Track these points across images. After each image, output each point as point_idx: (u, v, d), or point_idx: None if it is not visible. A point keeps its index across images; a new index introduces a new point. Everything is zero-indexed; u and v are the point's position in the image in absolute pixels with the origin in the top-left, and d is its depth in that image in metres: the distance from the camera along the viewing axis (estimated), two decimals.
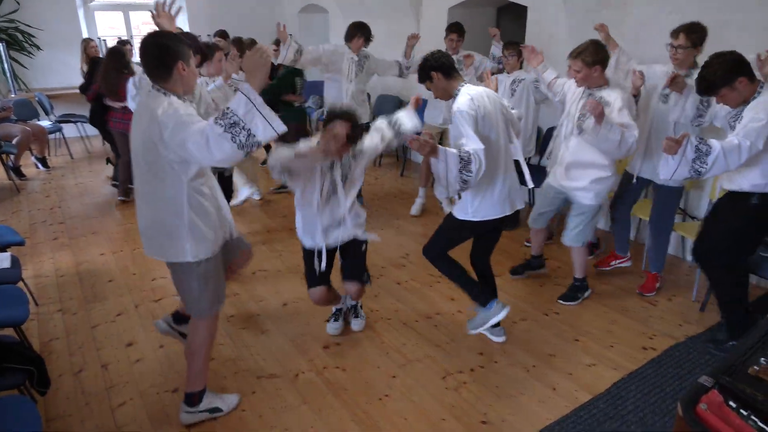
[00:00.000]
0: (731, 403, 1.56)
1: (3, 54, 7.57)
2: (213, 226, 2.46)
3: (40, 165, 7.02)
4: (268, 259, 4.45)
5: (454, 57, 4.70)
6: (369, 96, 5.12)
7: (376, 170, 6.90)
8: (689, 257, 4.20)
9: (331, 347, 3.28)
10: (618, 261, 4.05)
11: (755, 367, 1.69)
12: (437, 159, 2.65)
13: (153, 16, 2.70)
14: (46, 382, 2.53)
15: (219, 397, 2.76)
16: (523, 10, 5.42)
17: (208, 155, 2.14)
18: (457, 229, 3.04)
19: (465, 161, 2.64)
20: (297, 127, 5.46)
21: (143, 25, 9.23)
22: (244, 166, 5.48)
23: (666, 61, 3.49)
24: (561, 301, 3.73)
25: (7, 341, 2.56)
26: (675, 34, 3.35)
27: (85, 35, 8.48)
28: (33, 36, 7.93)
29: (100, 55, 6.53)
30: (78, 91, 6.61)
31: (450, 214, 3.07)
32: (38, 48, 7.99)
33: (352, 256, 3.14)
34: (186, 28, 8.93)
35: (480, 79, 5.02)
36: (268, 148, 7.08)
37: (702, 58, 2.96)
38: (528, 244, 4.65)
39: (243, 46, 5.27)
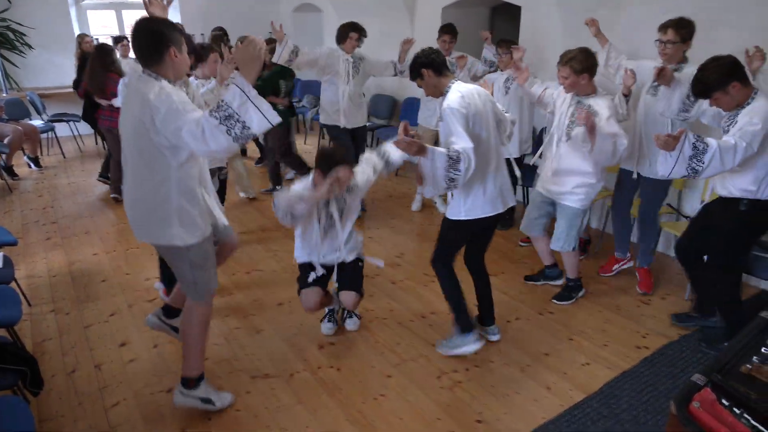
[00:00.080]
0: (724, 401, 1.57)
1: None
2: (202, 212, 2.48)
3: (32, 164, 6.98)
4: (263, 259, 4.44)
5: (447, 59, 4.71)
6: (363, 95, 5.09)
7: None
8: None
9: (326, 347, 3.28)
10: (620, 264, 4.07)
11: (748, 365, 1.70)
12: (425, 158, 2.66)
13: (145, 5, 2.69)
14: (39, 382, 2.52)
15: (215, 392, 2.78)
16: (517, 10, 5.43)
17: (204, 146, 2.15)
18: (453, 231, 3.04)
19: (453, 160, 2.63)
20: (280, 134, 5.44)
21: None
22: (233, 165, 5.49)
23: (657, 58, 3.51)
24: (555, 301, 3.74)
25: (0, 342, 2.55)
26: (663, 29, 3.36)
27: (77, 34, 8.44)
28: (24, 35, 7.88)
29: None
30: (70, 90, 6.60)
31: (444, 218, 3.06)
32: (30, 47, 7.94)
33: (350, 271, 3.19)
34: None
35: (474, 79, 5.03)
36: (261, 149, 7.10)
37: (691, 53, 2.98)
38: (523, 244, 4.66)
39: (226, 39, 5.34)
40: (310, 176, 2.98)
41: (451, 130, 2.71)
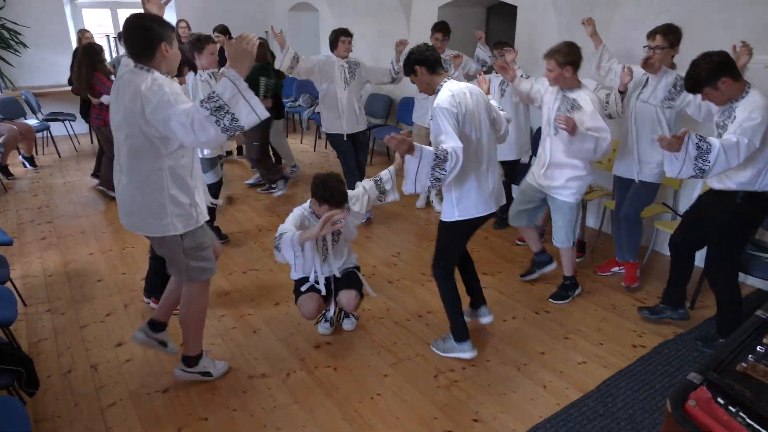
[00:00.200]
0: (720, 399, 1.58)
1: None
2: (194, 201, 2.52)
3: (27, 164, 6.95)
4: (260, 258, 4.43)
5: (441, 56, 4.71)
6: (360, 98, 5.08)
7: (367, 170, 6.87)
8: None
9: (323, 347, 3.28)
10: (619, 267, 4.08)
11: (743, 364, 1.71)
12: (412, 156, 2.66)
13: (143, 2, 2.69)
14: (34, 382, 2.51)
15: (212, 363, 2.96)
16: (513, 10, 5.43)
17: (193, 137, 2.19)
18: (449, 233, 3.02)
19: (440, 159, 2.63)
20: (257, 136, 5.38)
21: None
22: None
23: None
24: (552, 301, 3.75)
25: None
26: (652, 35, 3.41)
27: (72, 33, 8.41)
28: (19, 34, 7.84)
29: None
30: (65, 89, 6.63)
31: (440, 223, 3.04)
32: (25, 46, 7.89)
33: (347, 276, 3.28)
34: (174, 25, 8.89)
35: (468, 78, 5.02)
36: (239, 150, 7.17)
37: (686, 54, 2.99)
38: (520, 243, 4.67)
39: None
40: (307, 203, 3.12)
41: (440, 128, 2.70)
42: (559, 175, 3.50)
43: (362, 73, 4.87)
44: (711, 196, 3.11)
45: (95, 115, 5.63)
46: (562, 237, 3.62)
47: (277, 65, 4.59)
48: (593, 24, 3.88)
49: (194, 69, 4.04)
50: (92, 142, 8.09)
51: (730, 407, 1.55)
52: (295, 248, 2.83)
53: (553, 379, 2.98)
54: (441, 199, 4.81)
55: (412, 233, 4.94)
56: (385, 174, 3.28)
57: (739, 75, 2.83)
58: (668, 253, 3.44)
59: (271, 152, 6.02)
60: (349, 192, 3.16)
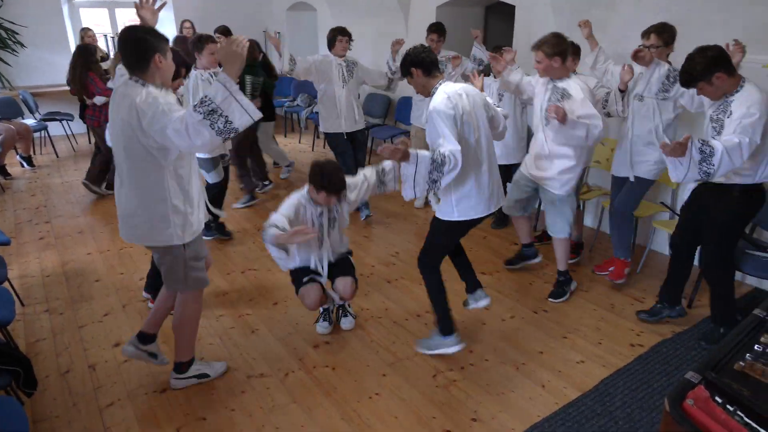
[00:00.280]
0: (717, 398, 1.58)
1: None
2: (194, 210, 2.57)
3: (25, 164, 6.94)
4: (258, 258, 4.43)
5: (438, 57, 4.71)
6: (359, 95, 5.08)
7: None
8: None
9: (321, 346, 3.28)
10: (629, 268, 4.07)
11: (741, 363, 1.71)
12: (407, 162, 2.66)
13: (136, 8, 2.72)
14: (32, 383, 2.51)
15: (207, 364, 2.97)
16: (511, 9, 5.44)
17: (189, 141, 2.22)
18: (446, 233, 3.01)
19: (438, 163, 2.63)
20: (239, 139, 5.23)
21: (129, 22, 9.14)
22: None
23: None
24: (552, 300, 3.76)
25: None
26: (646, 34, 3.43)
27: (70, 33, 8.40)
28: (17, 33, 7.81)
29: (97, 45, 6.60)
30: (63, 88, 6.66)
31: (436, 219, 3.03)
32: (22, 45, 7.87)
33: (341, 263, 3.29)
34: (173, 25, 8.87)
35: (465, 78, 5.02)
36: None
37: (683, 54, 2.99)
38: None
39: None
40: (305, 188, 3.10)
41: (438, 132, 2.69)
42: (551, 166, 3.55)
43: (360, 72, 4.87)
44: (705, 190, 3.11)
45: (90, 115, 5.69)
46: (557, 227, 3.66)
47: (278, 69, 4.62)
48: (590, 26, 3.90)
49: (189, 70, 4.05)
50: (90, 142, 8.07)
51: (728, 406, 1.55)
52: (274, 246, 2.84)
53: (552, 379, 2.98)
54: (438, 200, 4.80)
55: (411, 233, 4.94)
56: (388, 164, 3.23)
57: (734, 70, 2.83)
58: (666, 252, 3.45)
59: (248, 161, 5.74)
60: (351, 179, 3.15)
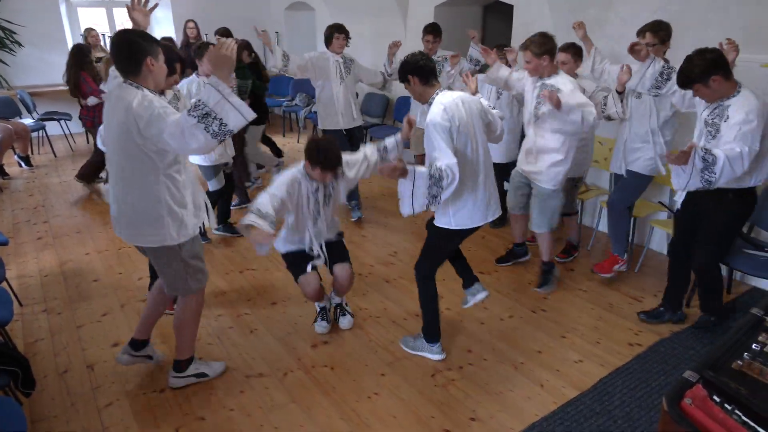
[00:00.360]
0: (715, 397, 1.58)
1: None
2: (190, 210, 2.58)
3: (23, 163, 6.93)
4: (256, 258, 4.43)
5: (435, 58, 4.73)
6: (357, 94, 5.08)
7: None
8: None
9: (320, 346, 3.28)
10: (619, 265, 4.08)
11: (739, 362, 1.72)
12: (405, 179, 2.66)
13: (128, 9, 2.74)
14: (31, 383, 2.50)
15: (206, 364, 2.98)
16: (509, 8, 5.44)
17: (184, 145, 2.26)
18: (443, 240, 3.00)
19: (435, 178, 2.63)
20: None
21: (127, 21, 9.11)
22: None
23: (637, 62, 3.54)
24: (538, 290, 3.85)
25: None
26: (641, 33, 3.45)
27: (67, 32, 8.38)
28: (14, 33, 7.80)
29: (101, 44, 6.63)
30: (60, 88, 6.70)
31: (434, 226, 3.00)
32: (20, 45, 7.85)
33: (337, 246, 3.31)
34: (171, 26, 8.87)
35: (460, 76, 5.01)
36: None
37: (681, 53, 3.00)
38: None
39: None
40: (301, 163, 3.06)
41: (434, 145, 2.68)
42: (539, 161, 3.65)
43: (356, 69, 4.88)
44: (700, 194, 3.12)
45: (83, 116, 5.77)
46: (538, 222, 3.77)
47: (269, 66, 4.61)
48: (584, 28, 3.92)
49: (183, 65, 4.02)
50: (88, 142, 8.07)
51: (726, 405, 1.55)
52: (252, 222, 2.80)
53: (550, 378, 2.98)
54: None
55: (410, 232, 4.94)
56: (390, 142, 3.21)
57: (731, 74, 2.85)
58: (663, 251, 3.46)
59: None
60: (351, 156, 3.14)
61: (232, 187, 4.64)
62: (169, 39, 6.98)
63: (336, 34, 4.68)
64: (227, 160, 4.41)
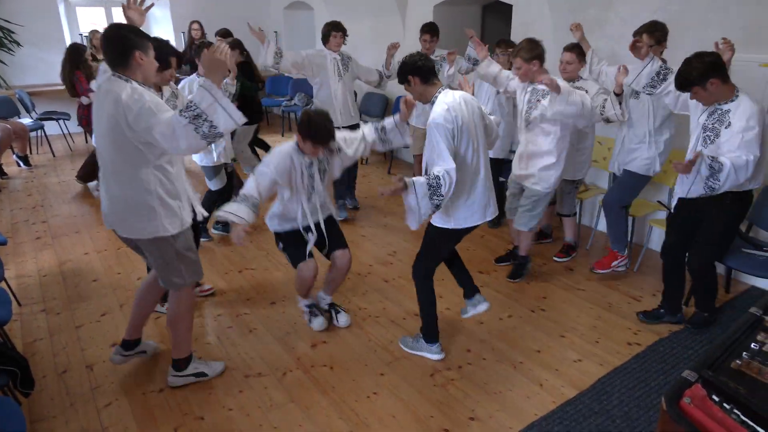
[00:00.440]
0: (714, 397, 1.58)
1: None
2: (181, 202, 2.60)
3: (21, 163, 6.92)
4: (255, 257, 4.43)
5: (433, 58, 4.72)
6: (356, 94, 5.08)
7: (363, 168, 6.89)
8: None
9: (319, 345, 3.28)
10: (618, 262, 4.08)
11: (738, 361, 1.72)
12: (408, 192, 2.66)
13: (123, 8, 2.75)
14: (30, 383, 2.50)
15: (205, 363, 2.98)
16: (508, 8, 5.44)
17: (174, 144, 2.28)
18: (441, 240, 2.99)
19: (434, 187, 2.62)
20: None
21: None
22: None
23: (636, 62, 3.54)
24: (510, 279, 3.98)
25: None
26: (638, 34, 3.44)
27: (66, 32, 8.37)
28: (13, 32, 7.79)
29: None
30: (59, 87, 6.73)
31: (431, 226, 2.99)
32: (18, 44, 7.85)
33: (331, 226, 3.31)
34: (170, 25, 8.86)
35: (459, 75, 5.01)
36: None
37: (680, 53, 3.00)
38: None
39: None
40: (295, 140, 3.05)
41: (434, 146, 2.67)
42: (532, 164, 3.70)
43: (354, 67, 4.89)
44: (702, 204, 3.12)
45: (79, 114, 5.83)
46: (525, 221, 3.83)
47: (260, 62, 4.61)
48: (581, 29, 3.93)
49: (180, 60, 4.03)
50: (86, 142, 8.06)
51: (725, 404, 1.56)
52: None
53: (549, 377, 2.99)
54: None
55: (408, 232, 4.94)
56: (389, 122, 3.20)
57: (728, 78, 2.87)
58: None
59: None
60: (350, 134, 3.17)
61: (232, 186, 4.63)
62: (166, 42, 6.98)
63: (333, 32, 4.69)
64: (227, 161, 4.41)
